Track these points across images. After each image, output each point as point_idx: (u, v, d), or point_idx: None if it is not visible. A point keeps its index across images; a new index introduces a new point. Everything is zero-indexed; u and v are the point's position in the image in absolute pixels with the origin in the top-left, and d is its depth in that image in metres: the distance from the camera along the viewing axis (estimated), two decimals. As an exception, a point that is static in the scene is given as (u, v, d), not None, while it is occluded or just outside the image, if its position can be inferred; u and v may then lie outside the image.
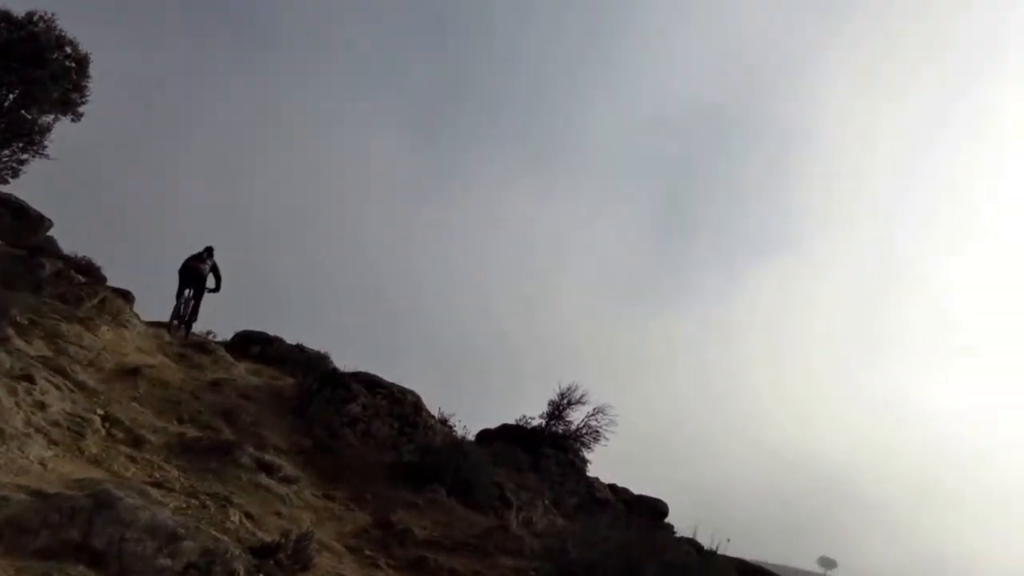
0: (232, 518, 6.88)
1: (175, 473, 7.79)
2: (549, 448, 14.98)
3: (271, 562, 5.78)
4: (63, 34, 15.65)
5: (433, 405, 13.71)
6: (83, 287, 13.55)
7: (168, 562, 4.97)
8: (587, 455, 16.27)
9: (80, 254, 15.58)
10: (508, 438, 14.99)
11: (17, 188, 16.85)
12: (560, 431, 16.06)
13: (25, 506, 5.09)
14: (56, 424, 7.68)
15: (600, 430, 16.26)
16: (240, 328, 16.17)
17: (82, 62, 15.99)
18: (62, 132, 16.34)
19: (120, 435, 8.50)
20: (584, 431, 16.17)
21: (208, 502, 7.04)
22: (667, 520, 15.12)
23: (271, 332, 15.87)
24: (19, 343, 9.30)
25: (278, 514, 7.88)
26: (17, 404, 7.22)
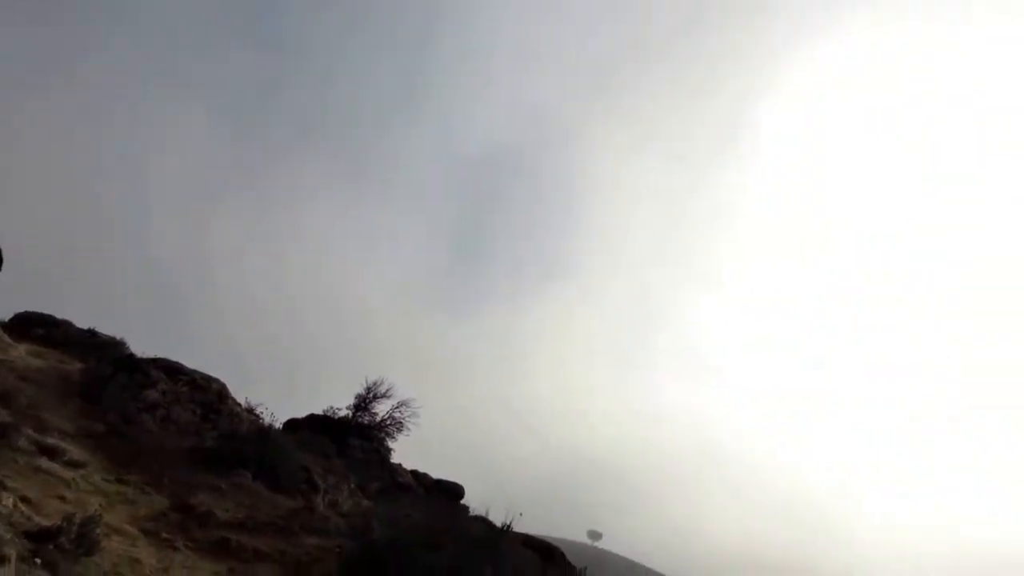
0: (4, 502, 6.55)
1: (-63, 456, 7.16)
2: (355, 438, 15.43)
3: (51, 547, 5.53)
4: None
5: (240, 394, 13.54)
6: None
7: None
8: (391, 444, 17.03)
9: None
10: (315, 427, 15.15)
11: None
12: (366, 422, 16.61)
13: None
14: None
15: (404, 421, 17.11)
16: (20, 310, 14.57)
17: None
18: None
19: None
20: (389, 422, 16.90)
21: (-23, 486, 6.61)
22: (463, 502, 16.34)
23: (59, 316, 14.50)
24: None
25: (62, 498, 7.53)
26: None
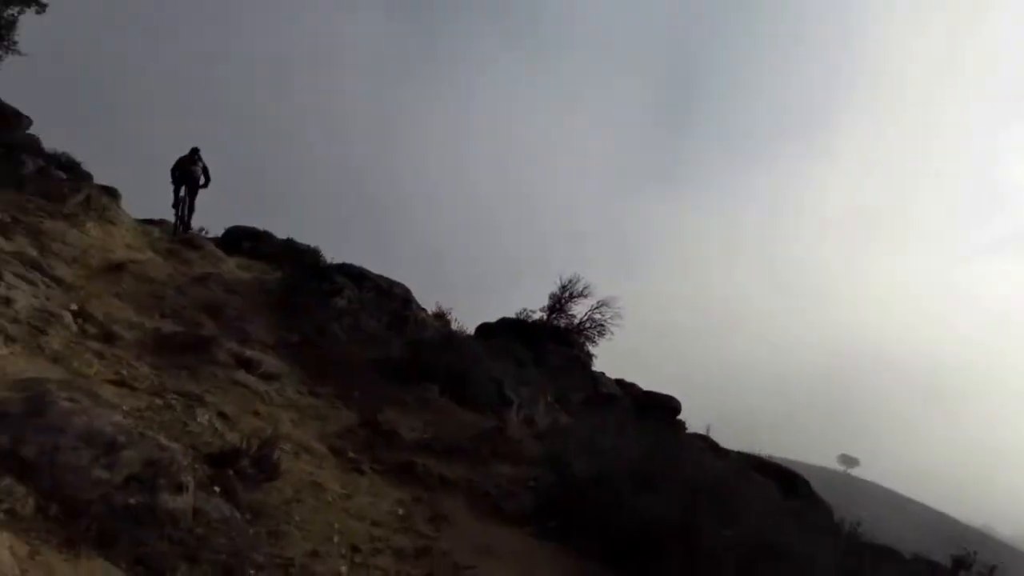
0: (200, 419, 6.42)
1: (145, 370, 7.31)
2: (552, 343, 14.46)
3: (230, 472, 5.26)
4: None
5: (428, 300, 13.27)
6: (67, 184, 13.14)
7: (106, 474, 4.38)
8: (592, 349, 15.85)
9: (60, 151, 15.06)
10: (508, 333, 14.38)
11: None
12: (563, 325, 15.51)
13: (-55, 410, 4.57)
14: (15, 320, 7.19)
15: (605, 324, 15.74)
16: (231, 225, 15.71)
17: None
18: (31, 26, 15.36)
19: (92, 331, 8.05)
20: (588, 325, 15.64)
21: (174, 401, 6.56)
22: (679, 417, 14.78)
23: (262, 228, 15.36)
24: (-2, 240, 8.84)
25: (256, 413, 7.45)
26: (-27, 299, 6.71)
